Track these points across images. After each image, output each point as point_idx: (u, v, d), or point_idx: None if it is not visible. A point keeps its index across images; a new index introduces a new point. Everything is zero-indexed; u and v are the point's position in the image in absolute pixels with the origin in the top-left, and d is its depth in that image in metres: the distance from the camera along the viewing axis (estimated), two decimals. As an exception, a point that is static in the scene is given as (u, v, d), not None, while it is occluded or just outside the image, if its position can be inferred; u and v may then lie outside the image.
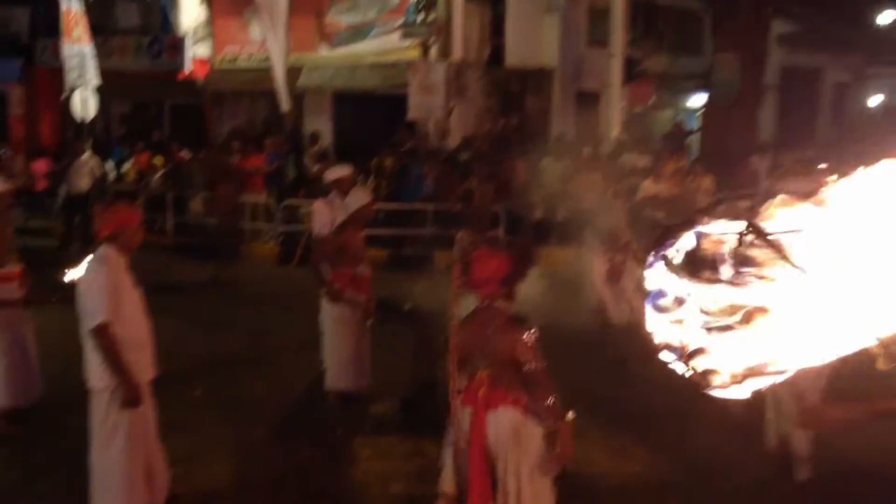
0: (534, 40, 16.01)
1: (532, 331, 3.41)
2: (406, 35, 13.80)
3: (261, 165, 13.30)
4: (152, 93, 17.15)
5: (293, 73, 13.39)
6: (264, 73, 14.94)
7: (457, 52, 14.51)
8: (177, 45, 15.60)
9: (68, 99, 14.44)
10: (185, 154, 14.07)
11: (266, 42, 12.72)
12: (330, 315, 6.07)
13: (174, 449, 5.07)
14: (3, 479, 4.84)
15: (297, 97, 14.99)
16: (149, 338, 4.33)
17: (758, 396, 1.88)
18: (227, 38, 15.94)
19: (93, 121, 14.93)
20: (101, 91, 14.72)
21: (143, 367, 4.23)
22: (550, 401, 3.32)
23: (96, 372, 4.12)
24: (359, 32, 14.81)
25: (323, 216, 6.41)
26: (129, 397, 4.09)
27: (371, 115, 15.69)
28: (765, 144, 12.31)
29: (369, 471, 5.04)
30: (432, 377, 6.12)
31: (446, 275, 7.94)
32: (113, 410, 4.13)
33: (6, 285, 5.39)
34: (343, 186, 6.67)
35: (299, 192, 13.28)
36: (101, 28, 15.19)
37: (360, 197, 6.15)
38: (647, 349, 1.73)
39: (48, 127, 16.90)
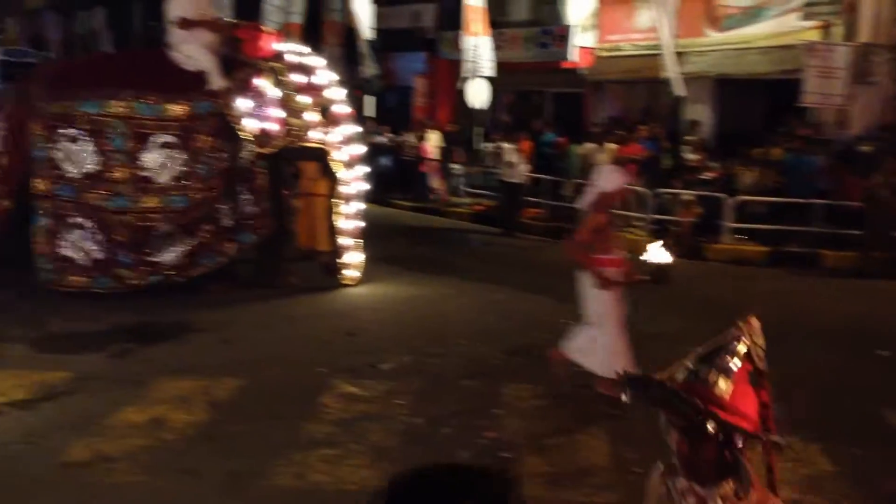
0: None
1: None
2: (806, 16, 12.75)
3: (635, 152, 13.30)
4: (536, 82, 17.96)
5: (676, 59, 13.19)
6: (645, 60, 14.87)
7: (863, 33, 13.08)
8: (564, 36, 16.13)
9: (463, 88, 15.71)
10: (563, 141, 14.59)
11: (654, 29, 12.63)
12: None
13: (559, 421, 5.34)
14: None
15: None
16: None
17: None
18: (613, 27, 16.10)
19: (484, 109, 16.12)
20: (492, 80, 15.80)
21: None
22: None
23: None
24: (752, 14, 14.01)
25: None
26: None
27: (756, 102, 14.80)
28: None
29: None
30: None
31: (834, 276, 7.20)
32: None
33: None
34: None
35: (674, 181, 13.06)
36: (496, 21, 16.25)
37: None
38: None
39: (444, 114, 18.56)
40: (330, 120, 8.66)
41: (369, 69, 17.81)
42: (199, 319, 7.40)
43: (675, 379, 2.49)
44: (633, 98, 16.49)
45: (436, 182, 15.88)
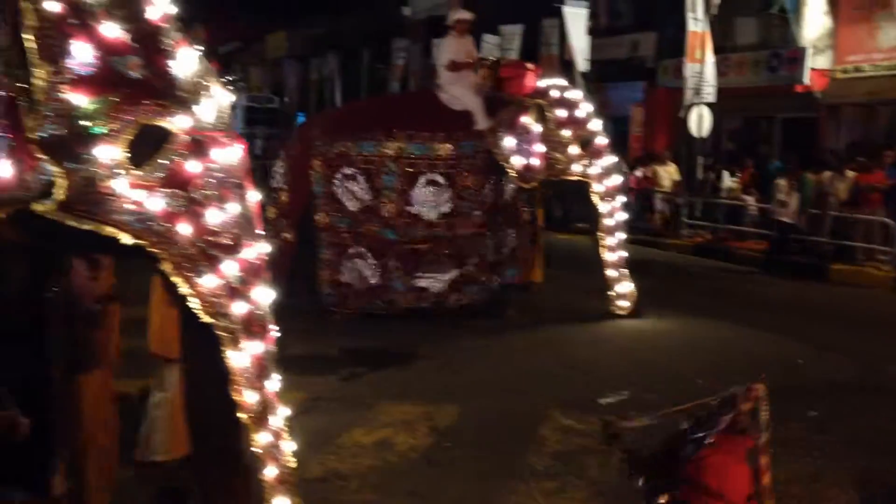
0: None
1: None
2: None
3: (879, 181, 12.22)
4: (763, 107, 17.06)
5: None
6: (890, 80, 13.71)
7: None
8: (796, 58, 15.19)
9: (685, 116, 15.23)
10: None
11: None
12: None
13: (793, 468, 4.97)
14: None
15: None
16: None
17: None
18: (852, 47, 14.95)
19: (705, 137, 15.53)
20: (714, 107, 15.21)
21: None
22: None
23: None
24: None
25: None
26: None
27: None
28: None
29: None
30: None
31: None
32: None
33: None
34: None
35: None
36: (720, 46, 15.66)
37: None
38: None
39: (662, 143, 18.09)
40: (591, 152, 8.70)
41: (584, 101, 17.77)
42: (421, 346, 7.65)
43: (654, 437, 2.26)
44: (875, 121, 15.21)
45: (665, 214, 15.51)
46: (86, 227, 2.71)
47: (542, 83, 8.85)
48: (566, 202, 15.96)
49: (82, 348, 3.52)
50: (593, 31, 18.32)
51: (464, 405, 6.10)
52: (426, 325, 8.31)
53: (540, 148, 8.51)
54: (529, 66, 9.25)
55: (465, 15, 9.18)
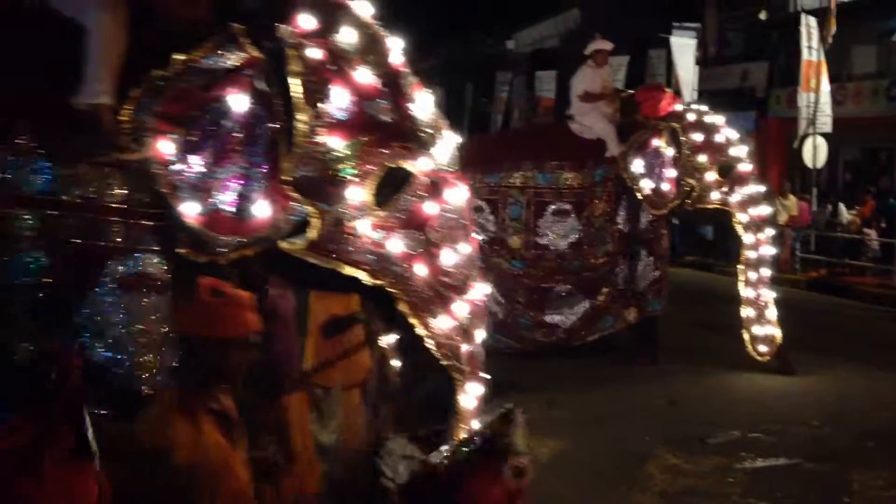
0: None
1: None
2: None
3: None
4: (883, 137, 16.34)
5: None
6: None
7: None
8: (921, 87, 14.56)
9: (799, 147, 14.74)
10: None
11: None
12: None
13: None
14: None
15: None
16: None
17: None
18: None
19: (820, 168, 14.98)
20: (830, 138, 14.66)
21: None
22: None
23: None
24: None
25: None
26: None
27: None
28: None
29: None
30: None
31: None
32: None
33: None
34: None
35: None
36: (836, 75, 15.13)
37: None
38: None
39: (774, 175, 17.53)
40: (733, 180, 8.03)
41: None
42: (525, 379, 7.58)
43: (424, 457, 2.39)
44: None
45: (785, 249, 14.97)
46: (328, 266, 2.77)
47: (679, 107, 8.43)
48: (674, 233, 15.63)
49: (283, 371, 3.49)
50: (702, 61, 18.02)
51: (567, 440, 6.01)
52: (531, 358, 8.21)
53: (671, 173, 7.99)
54: (667, 88, 8.93)
55: (605, 45, 8.83)
